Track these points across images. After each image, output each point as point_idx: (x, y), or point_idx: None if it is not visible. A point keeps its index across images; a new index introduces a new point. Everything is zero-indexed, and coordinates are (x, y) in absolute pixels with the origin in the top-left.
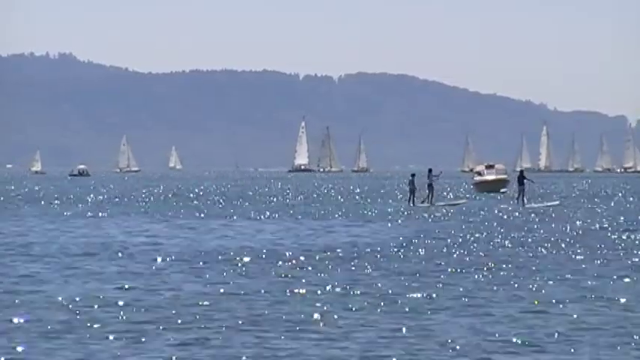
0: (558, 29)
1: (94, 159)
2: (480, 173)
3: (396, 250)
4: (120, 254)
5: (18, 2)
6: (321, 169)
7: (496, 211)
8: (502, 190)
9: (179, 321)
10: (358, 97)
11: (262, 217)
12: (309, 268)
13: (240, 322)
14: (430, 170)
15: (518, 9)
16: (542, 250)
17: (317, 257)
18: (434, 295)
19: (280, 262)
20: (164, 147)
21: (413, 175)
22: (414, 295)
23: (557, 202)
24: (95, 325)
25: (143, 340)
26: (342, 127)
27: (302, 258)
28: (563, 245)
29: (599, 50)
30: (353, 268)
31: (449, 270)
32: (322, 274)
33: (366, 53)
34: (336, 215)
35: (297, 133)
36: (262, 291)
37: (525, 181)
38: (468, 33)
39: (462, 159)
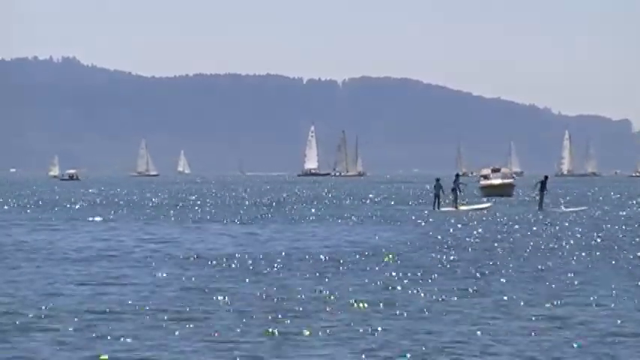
0: (562, 33)
1: (98, 162)
2: (486, 177)
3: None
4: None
5: (22, 6)
6: (338, 173)
7: (530, 217)
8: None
9: None
10: (362, 101)
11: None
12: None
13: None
14: (457, 175)
15: (522, 12)
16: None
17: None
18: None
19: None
20: (168, 151)
21: (438, 180)
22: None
23: (584, 207)
24: None
25: None
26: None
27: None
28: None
29: (603, 54)
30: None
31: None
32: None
33: (369, 57)
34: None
35: (304, 137)
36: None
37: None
38: (471, 37)
39: (452, 163)
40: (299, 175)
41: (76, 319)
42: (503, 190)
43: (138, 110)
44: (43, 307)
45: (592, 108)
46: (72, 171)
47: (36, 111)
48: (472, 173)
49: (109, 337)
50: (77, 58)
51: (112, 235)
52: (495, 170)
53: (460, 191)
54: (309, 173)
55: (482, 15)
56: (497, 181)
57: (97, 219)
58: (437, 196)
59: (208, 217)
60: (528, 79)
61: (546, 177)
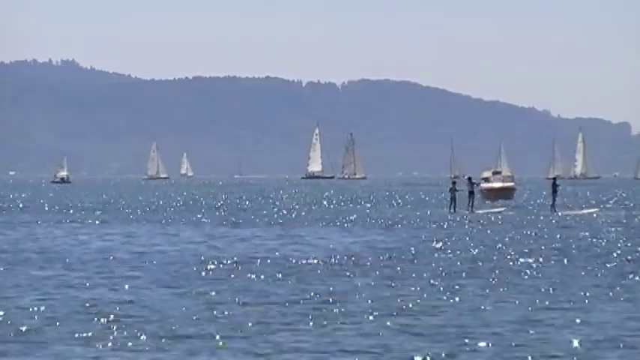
0: (562, 35)
1: (97, 165)
2: (486, 180)
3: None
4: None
5: (21, 9)
6: (346, 176)
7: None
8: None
9: None
10: (361, 104)
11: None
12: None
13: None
14: (470, 178)
15: (522, 15)
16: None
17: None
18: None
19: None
20: (169, 153)
21: (454, 182)
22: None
23: (595, 209)
24: None
25: None
26: (345, 132)
27: None
28: None
29: (603, 56)
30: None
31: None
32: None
33: (369, 60)
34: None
35: (305, 140)
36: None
37: (559, 188)
38: (470, 39)
39: (448, 166)
40: (303, 178)
41: None
42: (505, 193)
43: (137, 113)
44: None
45: (591, 111)
46: (63, 174)
47: (35, 113)
48: (464, 176)
49: None
50: (76, 60)
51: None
52: (496, 173)
53: (473, 194)
54: (313, 176)
55: (482, 18)
56: (498, 184)
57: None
58: (453, 199)
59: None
60: (527, 81)
61: (555, 178)
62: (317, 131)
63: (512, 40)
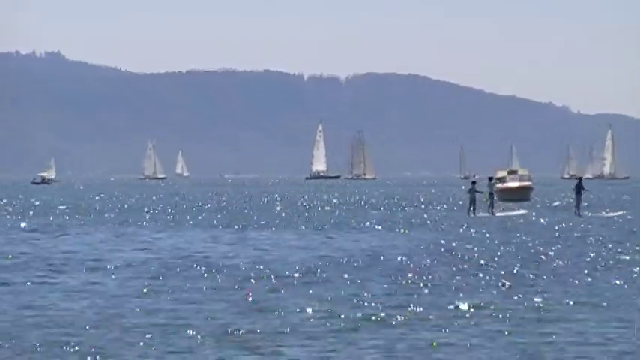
0: (582, 27)
1: (85, 164)
2: (501, 180)
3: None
4: None
5: None
6: (355, 177)
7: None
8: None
9: None
10: (366, 98)
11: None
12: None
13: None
14: (490, 179)
15: (540, 4)
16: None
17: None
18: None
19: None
20: (162, 152)
21: (473, 183)
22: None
23: (621, 212)
24: None
25: None
26: (350, 129)
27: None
28: None
29: (626, 50)
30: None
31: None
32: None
33: (374, 52)
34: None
35: (306, 137)
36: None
37: (583, 190)
38: (483, 30)
39: (457, 166)
40: (307, 179)
41: None
42: (521, 194)
43: (128, 109)
44: None
45: (613, 106)
46: (44, 174)
47: (18, 109)
48: (474, 176)
49: None
50: (62, 52)
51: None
52: (512, 172)
53: (493, 195)
54: (318, 176)
55: (496, 6)
56: (514, 184)
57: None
58: (472, 201)
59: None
60: (546, 75)
61: (580, 179)
62: (320, 128)
63: (528, 30)
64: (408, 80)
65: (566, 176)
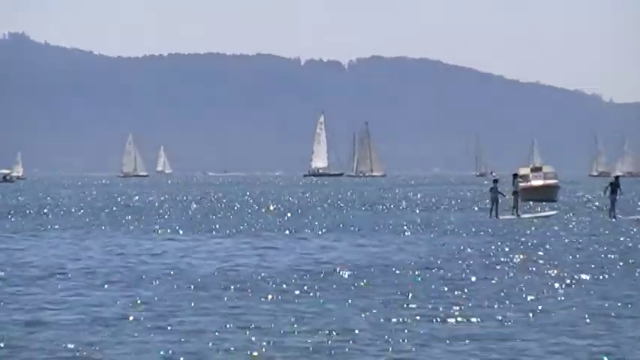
0: (613, 6)
1: (54, 160)
2: (524, 177)
3: None
4: None
5: None
6: (361, 174)
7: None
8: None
9: None
10: (372, 86)
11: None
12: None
13: None
14: (515, 176)
15: None
16: None
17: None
18: None
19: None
20: (140, 146)
21: (495, 182)
22: None
23: None
24: None
25: None
26: (353, 121)
27: None
28: None
29: None
30: None
31: None
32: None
33: (381, 33)
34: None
35: (304, 129)
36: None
37: (619, 189)
38: (504, 10)
39: (474, 164)
40: (305, 176)
41: None
42: (546, 193)
43: (102, 98)
44: None
45: None
46: (5, 171)
47: None
48: (492, 173)
49: None
50: (26, 33)
51: None
52: (536, 169)
53: (518, 194)
54: (318, 173)
55: None
56: (538, 183)
57: None
58: (495, 201)
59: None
60: (573, 60)
61: (617, 177)
62: (322, 120)
63: (554, 11)
64: (420, 65)
65: (595, 173)
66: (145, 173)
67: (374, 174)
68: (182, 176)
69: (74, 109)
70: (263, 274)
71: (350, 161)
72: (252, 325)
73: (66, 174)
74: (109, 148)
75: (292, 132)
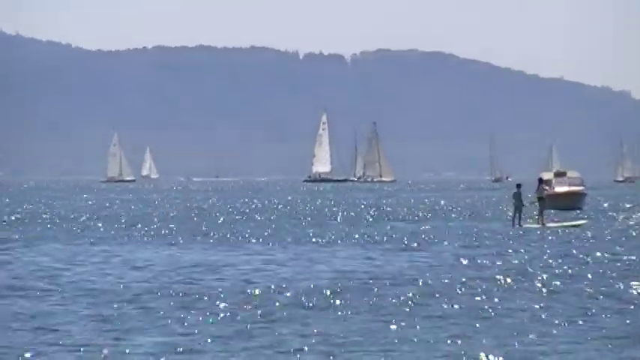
0: None
1: (23, 163)
2: (547, 183)
3: None
4: None
5: None
6: (369, 179)
7: None
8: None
9: None
10: (378, 82)
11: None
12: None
13: None
14: (541, 180)
15: None
16: None
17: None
18: None
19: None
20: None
21: (519, 186)
22: None
23: None
24: None
25: None
26: (356, 121)
27: None
28: None
29: None
30: None
31: None
32: None
33: (387, 25)
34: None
35: (304, 130)
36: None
37: None
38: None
39: (488, 167)
40: (306, 181)
41: None
42: (571, 201)
43: (79, 94)
44: None
45: None
46: None
47: None
48: (507, 178)
49: None
50: None
51: None
52: (559, 174)
53: (544, 201)
54: (319, 178)
55: None
56: (562, 189)
57: None
58: (518, 208)
59: None
60: (600, 55)
61: None
62: (324, 119)
63: (580, 1)
64: (431, 59)
65: (620, 178)
66: (131, 178)
67: (383, 179)
68: (170, 182)
69: (48, 107)
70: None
71: (352, 165)
72: None
73: (37, 177)
74: (87, 150)
75: (289, 133)
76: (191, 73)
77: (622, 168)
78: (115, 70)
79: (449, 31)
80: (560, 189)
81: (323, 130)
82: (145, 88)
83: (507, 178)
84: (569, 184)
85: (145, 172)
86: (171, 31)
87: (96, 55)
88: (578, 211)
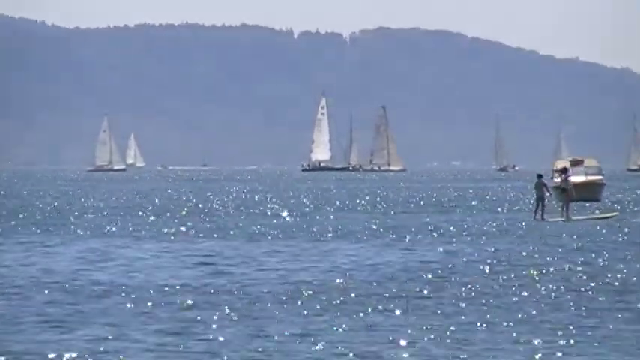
0: None
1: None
2: (563, 172)
3: None
4: None
5: None
6: (377, 167)
7: None
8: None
9: None
10: (378, 63)
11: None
12: None
13: None
14: (565, 170)
15: None
16: None
17: None
18: None
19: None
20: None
21: (540, 177)
22: None
23: None
24: None
25: None
26: (355, 104)
27: None
28: None
29: None
30: None
31: None
32: None
33: (389, 1)
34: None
35: (299, 115)
36: None
37: None
38: None
39: (493, 155)
40: (304, 170)
41: None
42: (588, 192)
43: (53, 75)
44: None
45: None
46: None
47: None
48: (514, 167)
49: None
50: None
51: None
52: (576, 163)
53: (567, 192)
54: (319, 167)
55: None
56: (579, 179)
57: None
58: (540, 199)
59: None
60: (617, 34)
61: None
62: (323, 103)
63: None
64: (435, 38)
65: (634, 167)
66: (122, 167)
67: (391, 168)
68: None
69: (19, 89)
70: None
71: (347, 152)
72: None
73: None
74: (62, 136)
75: (284, 117)
76: (176, 52)
77: (637, 155)
78: (94, 49)
79: (456, 8)
80: (577, 179)
81: (322, 114)
82: (127, 70)
83: (514, 167)
84: (587, 174)
85: (130, 161)
86: (154, 7)
87: (73, 34)
88: (596, 202)
